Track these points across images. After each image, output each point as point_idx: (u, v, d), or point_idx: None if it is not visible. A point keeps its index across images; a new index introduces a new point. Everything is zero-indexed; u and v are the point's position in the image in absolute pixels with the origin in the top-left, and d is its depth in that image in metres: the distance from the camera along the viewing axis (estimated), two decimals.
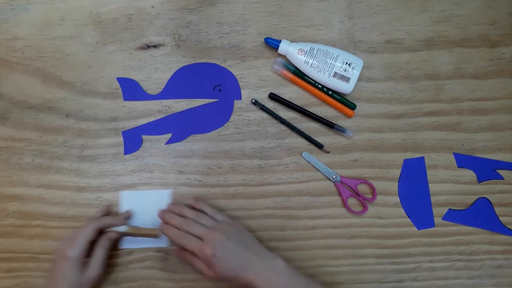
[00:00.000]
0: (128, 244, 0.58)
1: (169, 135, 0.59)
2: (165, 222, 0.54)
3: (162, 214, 0.55)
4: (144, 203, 0.58)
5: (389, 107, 0.61)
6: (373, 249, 0.60)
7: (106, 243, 0.54)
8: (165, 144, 0.59)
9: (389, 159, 0.60)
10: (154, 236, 0.56)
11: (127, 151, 0.59)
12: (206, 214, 0.55)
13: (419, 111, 0.61)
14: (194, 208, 0.56)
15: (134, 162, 0.59)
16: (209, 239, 0.50)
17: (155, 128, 0.59)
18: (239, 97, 0.60)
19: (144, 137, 0.59)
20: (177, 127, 0.60)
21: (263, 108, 0.59)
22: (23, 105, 0.59)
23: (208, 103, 0.60)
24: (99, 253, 0.53)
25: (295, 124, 0.60)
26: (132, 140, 0.59)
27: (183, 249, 0.53)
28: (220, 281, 0.53)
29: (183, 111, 0.60)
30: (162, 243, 0.58)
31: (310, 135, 0.60)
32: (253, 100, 0.59)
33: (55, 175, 0.59)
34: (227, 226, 0.53)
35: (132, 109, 0.60)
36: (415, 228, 0.60)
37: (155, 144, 0.59)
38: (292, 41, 0.58)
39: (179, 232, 0.52)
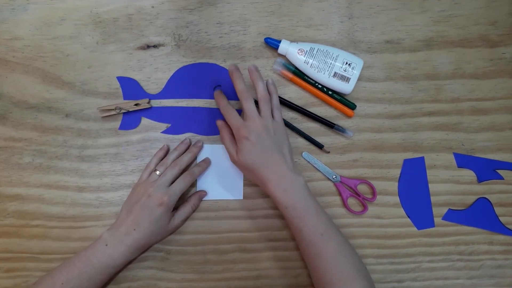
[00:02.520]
0: (208, 196, 0.60)
1: (166, 126, 0.60)
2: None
3: (231, 68, 0.53)
4: (219, 157, 0.59)
5: (389, 107, 0.61)
6: (373, 249, 0.60)
7: (196, 202, 0.57)
8: (161, 132, 0.59)
9: (389, 159, 0.60)
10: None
11: (123, 126, 0.59)
12: (270, 101, 0.54)
13: (419, 111, 0.61)
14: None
15: (134, 162, 0.59)
16: (251, 124, 0.50)
17: (155, 114, 0.60)
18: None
19: (143, 122, 0.60)
20: (177, 120, 0.60)
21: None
22: (23, 105, 0.59)
23: (214, 108, 0.60)
24: (187, 210, 0.57)
25: (295, 124, 0.60)
26: (131, 119, 0.59)
27: (225, 123, 0.54)
28: (240, 168, 0.54)
29: (186, 107, 0.60)
30: (238, 195, 0.59)
31: (310, 135, 0.60)
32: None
33: (55, 175, 0.59)
34: (275, 123, 0.53)
35: None
36: (415, 228, 0.60)
37: (155, 144, 0.59)
38: (292, 41, 0.58)
39: (227, 102, 0.54)
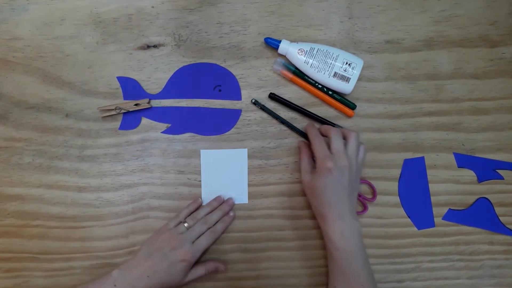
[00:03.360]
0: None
1: (167, 126, 0.60)
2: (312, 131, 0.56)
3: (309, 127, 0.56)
4: (222, 161, 0.59)
5: (389, 107, 0.61)
6: (373, 249, 0.60)
7: (211, 269, 0.57)
8: (161, 132, 0.59)
9: (389, 159, 0.60)
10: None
11: (123, 126, 0.59)
12: (355, 138, 0.54)
13: (419, 111, 0.61)
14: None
15: (134, 162, 0.59)
16: (338, 159, 0.51)
17: (155, 114, 0.60)
18: (239, 97, 0.60)
19: (143, 122, 0.60)
20: (177, 121, 0.60)
21: (263, 108, 0.59)
22: (23, 105, 0.59)
23: (214, 108, 0.60)
24: (200, 271, 0.55)
25: (295, 124, 0.60)
26: (131, 119, 0.59)
27: (307, 145, 0.55)
28: (307, 189, 0.54)
29: (186, 107, 0.60)
30: (244, 200, 0.59)
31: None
32: (253, 100, 0.59)
33: (55, 175, 0.59)
34: (359, 165, 0.53)
35: None
36: (415, 228, 0.60)
37: (155, 144, 0.59)
38: (292, 41, 0.58)
39: (318, 133, 0.55)
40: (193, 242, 0.53)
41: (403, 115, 0.61)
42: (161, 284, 0.52)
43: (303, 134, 0.59)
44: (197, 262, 0.55)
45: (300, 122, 0.60)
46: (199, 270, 0.55)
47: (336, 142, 0.52)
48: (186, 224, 0.55)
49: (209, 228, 0.56)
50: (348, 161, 0.51)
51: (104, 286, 0.51)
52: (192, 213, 0.57)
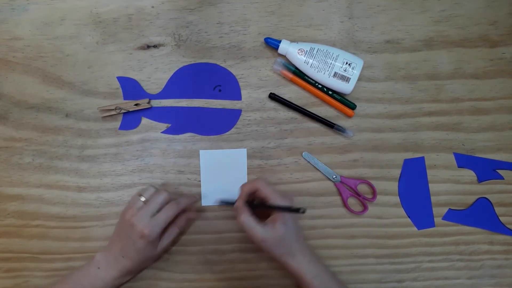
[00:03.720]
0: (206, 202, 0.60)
1: (167, 126, 0.60)
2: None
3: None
4: (221, 161, 0.59)
5: (389, 107, 0.61)
6: (373, 249, 0.60)
7: (182, 224, 0.56)
8: (161, 132, 0.59)
9: (389, 159, 0.60)
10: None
11: (123, 126, 0.59)
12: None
13: (419, 111, 0.61)
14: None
15: (134, 162, 0.59)
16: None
17: (155, 114, 0.60)
18: (239, 97, 0.60)
19: (143, 122, 0.60)
20: (177, 121, 0.60)
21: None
22: (23, 105, 0.59)
23: (214, 108, 0.60)
24: (173, 231, 0.55)
25: (295, 124, 0.60)
26: (131, 119, 0.59)
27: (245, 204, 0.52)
28: (266, 243, 0.51)
29: (186, 107, 0.60)
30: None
31: (310, 135, 0.60)
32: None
33: (55, 175, 0.59)
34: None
35: None
36: (415, 228, 0.60)
37: (155, 144, 0.59)
38: (292, 41, 0.58)
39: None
40: (152, 217, 0.51)
41: (403, 115, 0.61)
42: (138, 262, 0.52)
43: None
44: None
45: (300, 122, 0.60)
46: (171, 231, 0.54)
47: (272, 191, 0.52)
48: (142, 198, 0.52)
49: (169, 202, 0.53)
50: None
51: (89, 269, 0.52)
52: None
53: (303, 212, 0.47)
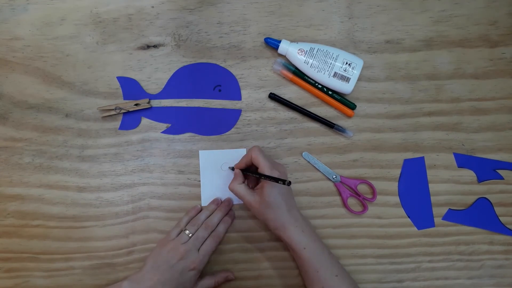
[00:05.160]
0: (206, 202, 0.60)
1: (166, 126, 0.60)
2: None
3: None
4: (221, 161, 0.60)
5: (389, 107, 0.60)
6: (373, 249, 0.60)
7: (220, 281, 0.57)
8: (161, 132, 0.59)
9: (389, 159, 0.60)
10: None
11: (123, 126, 0.59)
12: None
13: (419, 111, 0.61)
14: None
15: (134, 162, 0.59)
16: (283, 170, 0.54)
17: (155, 114, 0.60)
18: (239, 97, 0.60)
19: (143, 122, 0.60)
20: (177, 121, 0.60)
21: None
22: (23, 105, 0.59)
23: (214, 108, 0.60)
24: (209, 283, 0.56)
25: (295, 124, 0.60)
26: (131, 119, 0.59)
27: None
28: (257, 209, 0.53)
29: (186, 107, 0.60)
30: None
31: (310, 135, 0.60)
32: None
33: (55, 175, 0.59)
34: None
35: None
36: (415, 228, 0.60)
37: (155, 144, 0.60)
38: (292, 41, 0.58)
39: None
40: (198, 249, 0.53)
41: (403, 115, 0.61)
42: None
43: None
44: (206, 271, 0.55)
45: (300, 122, 0.60)
46: (208, 282, 0.55)
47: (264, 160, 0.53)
48: (187, 232, 0.54)
49: (211, 232, 0.55)
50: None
51: None
52: (192, 219, 0.57)
53: (288, 184, 0.47)
